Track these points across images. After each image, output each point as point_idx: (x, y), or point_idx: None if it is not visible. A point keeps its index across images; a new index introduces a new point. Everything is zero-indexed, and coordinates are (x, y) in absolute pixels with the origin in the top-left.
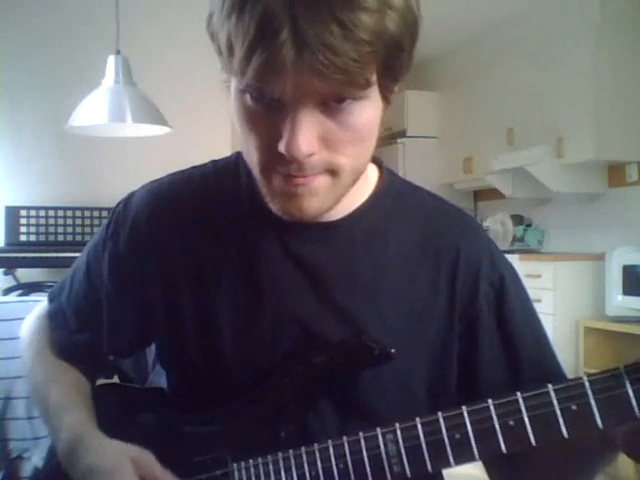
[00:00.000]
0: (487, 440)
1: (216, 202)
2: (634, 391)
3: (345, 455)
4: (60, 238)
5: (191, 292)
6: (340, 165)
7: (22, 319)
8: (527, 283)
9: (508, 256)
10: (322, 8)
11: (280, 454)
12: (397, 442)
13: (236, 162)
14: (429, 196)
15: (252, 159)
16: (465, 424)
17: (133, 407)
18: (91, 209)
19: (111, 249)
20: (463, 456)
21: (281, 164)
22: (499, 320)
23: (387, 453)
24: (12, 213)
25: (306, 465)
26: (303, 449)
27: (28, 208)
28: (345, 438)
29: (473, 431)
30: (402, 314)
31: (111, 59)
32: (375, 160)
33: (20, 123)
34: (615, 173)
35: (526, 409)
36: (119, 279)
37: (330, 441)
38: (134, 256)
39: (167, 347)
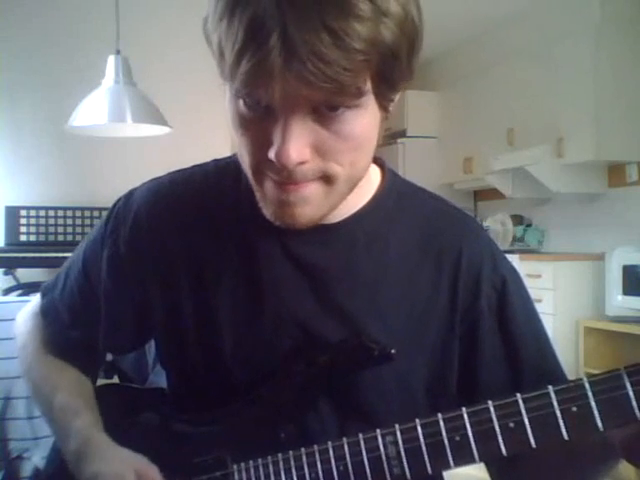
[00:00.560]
0: (487, 442)
1: (217, 202)
2: (635, 392)
3: (345, 457)
4: (60, 238)
5: (191, 291)
6: (334, 173)
7: None
8: (527, 283)
9: (508, 256)
10: (313, 15)
11: (280, 455)
12: (397, 444)
13: (237, 162)
14: (430, 197)
15: (245, 163)
16: (465, 426)
17: (133, 407)
18: (91, 209)
19: (110, 247)
20: (463, 458)
21: (272, 170)
22: (500, 322)
23: (387, 455)
24: (12, 213)
25: (306, 467)
26: (303, 450)
27: (28, 208)
28: (345, 440)
29: (473, 433)
30: (403, 314)
31: (111, 59)
32: (377, 161)
33: (20, 123)
34: (615, 173)
35: (526, 411)
36: (118, 277)
37: (330, 443)
38: (134, 254)
39: (167, 346)
